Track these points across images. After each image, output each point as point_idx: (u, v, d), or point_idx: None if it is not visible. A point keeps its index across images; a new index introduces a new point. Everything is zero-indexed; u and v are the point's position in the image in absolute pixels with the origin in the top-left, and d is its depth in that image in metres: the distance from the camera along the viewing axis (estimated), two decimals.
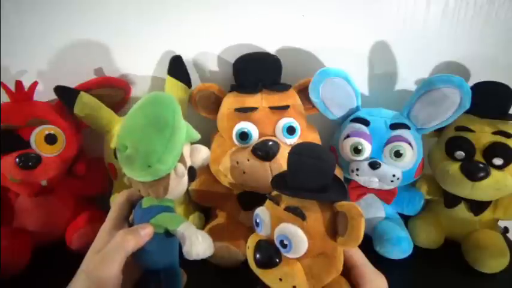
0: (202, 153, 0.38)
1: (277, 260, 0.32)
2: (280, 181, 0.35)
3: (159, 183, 0.33)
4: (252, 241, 0.34)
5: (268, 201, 0.35)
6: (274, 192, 0.36)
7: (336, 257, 0.33)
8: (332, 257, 0.33)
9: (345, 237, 0.31)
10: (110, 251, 0.31)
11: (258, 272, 0.34)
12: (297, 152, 0.33)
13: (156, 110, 0.33)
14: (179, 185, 0.35)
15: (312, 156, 0.33)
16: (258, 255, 0.33)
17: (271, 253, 0.32)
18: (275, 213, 0.33)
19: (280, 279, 0.32)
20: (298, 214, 0.32)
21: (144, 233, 0.32)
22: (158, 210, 0.34)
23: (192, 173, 0.36)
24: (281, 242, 0.32)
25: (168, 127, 0.32)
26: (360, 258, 0.35)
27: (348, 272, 0.34)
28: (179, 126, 0.33)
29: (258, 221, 0.35)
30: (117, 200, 0.37)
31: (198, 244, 0.33)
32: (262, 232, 0.34)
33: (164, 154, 0.31)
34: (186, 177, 0.35)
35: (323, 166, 0.33)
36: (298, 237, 0.31)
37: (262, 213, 0.34)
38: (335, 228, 0.32)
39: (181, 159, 0.34)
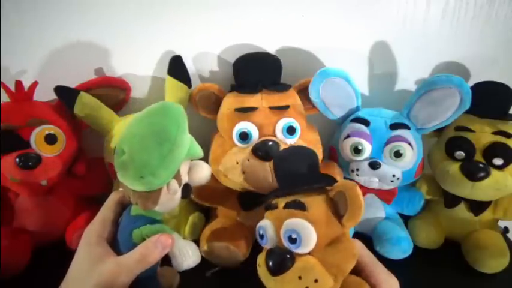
0: (203, 172, 0.37)
1: (291, 262, 0.31)
2: (271, 192, 0.37)
3: (149, 196, 0.32)
4: (260, 257, 0.34)
5: (266, 213, 0.35)
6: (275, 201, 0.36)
7: (346, 241, 0.33)
8: (343, 243, 0.33)
9: (348, 212, 0.31)
10: (131, 261, 0.31)
11: (275, 284, 0.32)
12: (277, 156, 0.38)
13: (161, 122, 0.32)
14: (170, 200, 0.34)
15: (290, 153, 0.36)
16: (270, 262, 0.32)
17: (283, 256, 0.32)
18: (275, 216, 0.33)
19: (300, 278, 0.31)
20: (298, 206, 0.32)
21: (167, 244, 0.32)
22: (144, 221, 0.33)
23: (186, 190, 0.35)
24: (289, 237, 0.32)
25: (168, 142, 0.31)
26: (370, 258, 0.34)
27: (360, 273, 0.33)
28: (181, 143, 0.32)
29: (261, 232, 0.34)
30: (107, 201, 0.37)
31: (189, 258, 0.33)
32: (267, 243, 0.34)
33: (159, 168, 0.30)
34: (179, 194, 0.34)
35: (303, 157, 0.36)
36: (305, 228, 0.31)
37: (263, 223, 0.34)
38: (337, 212, 0.33)
39: (177, 176, 0.33)
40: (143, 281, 0.34)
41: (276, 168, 0.36)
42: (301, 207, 0.32)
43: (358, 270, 0.34)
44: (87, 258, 0.32)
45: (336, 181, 0.35)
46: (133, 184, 0.31)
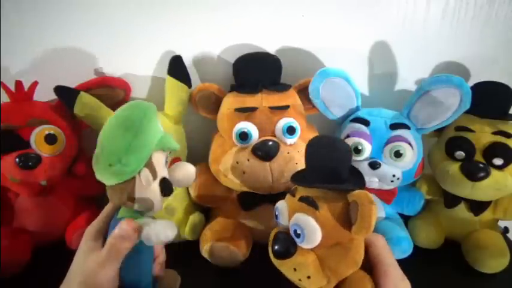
0: (185, 169, 0.36)
1: (293, 251, 0.32)
2: (298, 175, 0.37)
3: (123, 188, 0.32)
4: (273, 232, 0.35)
5: (287, 195, 0.36)
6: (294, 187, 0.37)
7: (352, 248, 0.33)
8: (348, 248, 0.33)
9: (356, 224, 0.31)
10: (105, 256, 0.31)
11: (276, 263, 0.34)
12: (311, 144, 0.35)
13: (127, 113, 0.33)
14: (146, 193, 0.32)
15: (325, 146, 0.34)
16: (275, 246, 0.34)
17: (287, 244, 0.33)
18: (291, 204, 0.34)
19: (295, 270, 0.32)
20: (310, 204, 0.33)
21: (132, 229, 0.31)
22: None
23: (165, 185, 0.34)
24: (295, 231, 0.33)
25: (132, 128, 0.31)
26: (387, 257, 0.34)
27: (372, 269, 0.33)
28: (146, 130, 0.32)
29: (277, 213, 0.36)
30: (106, 207, 0.37)
31: (160, 226, 0.31)
32: (281, 224, 0.35)
33: (126, 154, 0.31)
34: (156, 188, 0.33)
35: (337, 153, 0.34)
36: (310, 227, 0.32)
37: (280, 205, 0.35)
38: (349, 218, 0.33)
39: (149, 166, 0.33)
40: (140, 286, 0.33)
41: (307, 155, 0.35)
42: (313, 205, 0.32)
43: (371, 266, 0.34)
44: (83, 255, 0.33)
45: (362, 183, 0.35)
46: (105, 176, 0.32)
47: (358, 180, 0.36)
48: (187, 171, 0.36)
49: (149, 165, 0.33)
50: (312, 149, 0.35)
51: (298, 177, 0.36)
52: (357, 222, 0.31)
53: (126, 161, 0.31)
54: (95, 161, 0.32)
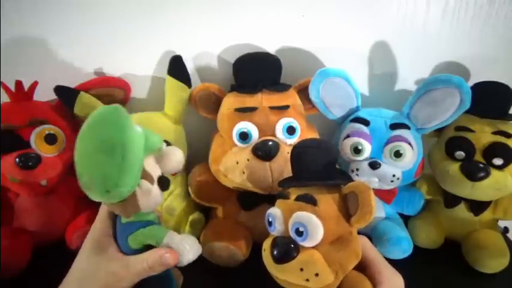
0: (175, 157, 0.35)
1: (295, 253, 0.32)
2: (286, 180, 0.37)
3: (126, 204, 0.31)
4: (266, 242, 0.35)
5: (277, 200, 0.36)
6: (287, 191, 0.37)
7: (353, 241, 0.33)
8: (349, 241, 0.33)
9: (358, 213, 0.32)
10: (139, 267, 0.32)
11: (276, 271, 0.33)
12: (298, 145, 0.36)
13: (102, 132, 0.30)
14: (149, 198, 0.32)
15: (312, 146, 0.35)
16: (275, 251, 0.33)
17: (288, 246, 0.32)
18: (286, 207, 0.34)
19: (302, 269, 0.31)
20: (309, 200, 0.33)
21: (176, 260, 0.32)
22: (137, 227, 0.33)
23: (163, 182, 0.34)
24: (297, 230, 0.32)
25: (116, 149, 0.29)
26: (377, 256, 0.35)
27: (365, 269, 0.34)
28: (131, 145, 0.30)
29: (270, 219, 0.35)
30: (103, 206, 0.36)
31: (188, 253, 0.32)
32: (275, 231, 0.35)
33: (120, 178, 0.29)
34: (156, 189, 0.33)
35: (324, 152, 0.35)
36: (312, 223, 0.32)
37: (273, 211, 0.35)
38: (347, 211, 0.33)
39: (145, 175, 0.32)
40: (158, 279, 0.34)
41: (294, 158, 0.36)
42: (312, 201, 0.33)
43: (363, 267, 0.34)
44: (95, 255, 0.33)
45: (351, 180, 0.35)
46: (105, 199, 0.31)
47: (346, 176, 0.37)
48: (177, 159, 0.36)
49: (145, 175, 0.32)
50: (298, 150, 0.36)
51: (287, 181, 0.37)
52: (359, 209, 0.31)
53: (122, 183, 0.29)
54: (87, 188, 0.30)
